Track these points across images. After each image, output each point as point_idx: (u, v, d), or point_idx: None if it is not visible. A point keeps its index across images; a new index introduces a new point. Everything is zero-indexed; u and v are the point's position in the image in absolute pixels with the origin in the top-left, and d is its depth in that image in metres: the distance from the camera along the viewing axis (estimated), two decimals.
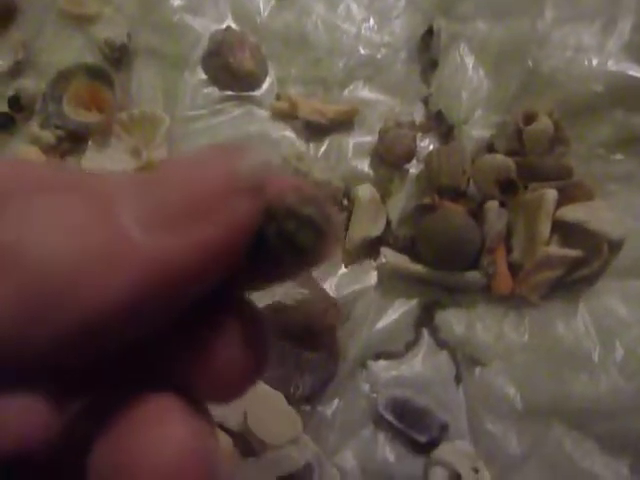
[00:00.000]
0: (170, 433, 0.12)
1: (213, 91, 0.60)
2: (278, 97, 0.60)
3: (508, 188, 0.50)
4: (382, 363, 0.49)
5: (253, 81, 0.59)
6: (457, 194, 0.52)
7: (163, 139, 0.56)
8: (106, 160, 0.56)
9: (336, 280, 0.52)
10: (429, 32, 0.59)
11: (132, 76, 0.61)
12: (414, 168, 0.55)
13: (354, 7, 0.62)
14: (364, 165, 0.56)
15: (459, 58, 0.58)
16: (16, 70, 0.62)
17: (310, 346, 0.49)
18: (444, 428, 0.46)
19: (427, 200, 0.52)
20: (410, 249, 0.52)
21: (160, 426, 0.12)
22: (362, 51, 0.60)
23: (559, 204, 0.49)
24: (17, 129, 0.60)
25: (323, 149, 0.57)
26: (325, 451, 0.46)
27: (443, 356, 0.49)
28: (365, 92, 0.59)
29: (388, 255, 0.51)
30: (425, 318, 0.51)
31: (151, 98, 0.60)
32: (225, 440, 0.44)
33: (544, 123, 0.51)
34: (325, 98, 0.59)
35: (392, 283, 0.52)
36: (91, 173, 0.13)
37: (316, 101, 0.58)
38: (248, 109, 0.59)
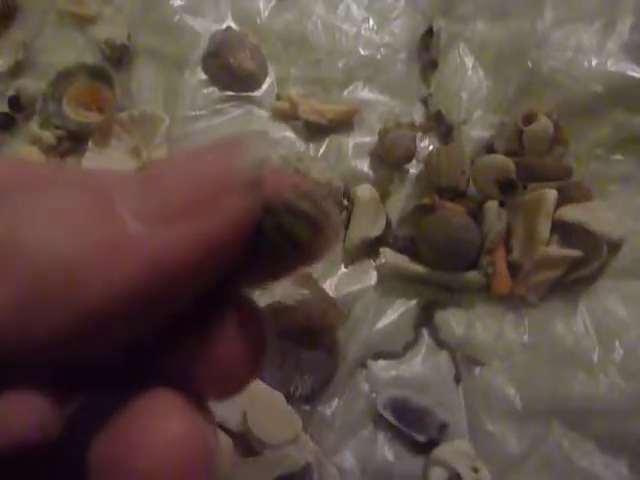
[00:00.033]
0: (168, 426, 0.12)
1: (213, 91, 0.60)
2: (278, 97, 0.60)
3: (508, 188, 0.50)
4: (382, 363, 0.49)
5: (253, 81, 0.59)
6: (457, 194, 0.52)
7: (163, 139, 0.56)
8: (106, 160, 0.56)
9: (336, 280, 0.52)
10: (429, 32, 0.59)
11: (132, 76, 0.61)
12: (414, 168, 0.55)
13: (354, 8, 0.62)
14: (364, 165, 0.57)
15: (459, 58, 0.58)
16: (16, 70, 0.62)
17: (310, 346, 0.49)
18: (443, 428, 0.46)
19: (427, 200, 0.52)
20: (410, 249, 0.52)
21: (159, 420, 0.12)
22: (362, 51, 0.60)
23: (558, 204, 0.49)
24: (17, 129, 0.60)
25: (323, 149, 0.57)
26: (325, 451, 0.46)
27: (442, 356, 0.49)
28: (365, 92, 0.59)
29: (388, 255, 0.51)
30: (425, 318, 0.51)
31: (151, 98, 0.60)
32: (225, 440, 0.44)
33: (544, 123, 0.51)
34: (325, 98, 0.59)
35: (392, 283, 0.52)
36: (91, 171, 0.13)
37: (316, 101, 0.58)
38: (248, 109, 0.59)
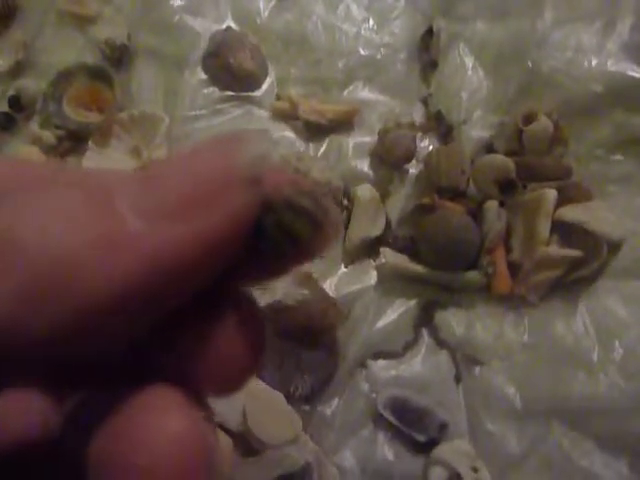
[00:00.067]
0: (168, 423, 0.12)
1: (213, 91, 0.60)
2: (278, 97, 0.60)
3: (507, 188, 0.50)
4: (382, 363, 0.49)
5: (253, 81, 0.59)
6: (456, 194, 0.52)
7: (163, 139, 0.56)
8: (106, 160, 0.56)
9: (336, 280, 0.52)
10: (429, 32, 0.59)
11: (132, 76, 0.61)
12: (414, 168, 0.55)
13: (354, 8, 0.62)
14: (364, 165, 0.57)
15: (459, 58, 0.58)
16: (16, 70, 0.62)
17: (310, 346, 0.49)
18: (443, 427, 0.46)
19: (427, 200, 0.52)
20: (410, 249, 0.52)
21: (159, 416, 0.12)
22: (362, 51, 0.60)
23: (558, 204, 0.49)
24: (17, 129, 0.60)
25: (323, 149, 0.58)
26: (325, 450, 0.46)
27: (442, 356, 0.49)
28: (365, 92, 0.59)
29: (388, 255, 0.51)
30: (424, 318, 0.51)
31: (151, 98, 0.60)
32: (225, 440, 0.44)
33: (543, 123, 0.51)
34: (325, 98, 0.59)
35: (392, 283, 0.52)
36: (91, 171, 0.13)
37: (316, 101, 0.58)
38: (248, 109, 0.60)
